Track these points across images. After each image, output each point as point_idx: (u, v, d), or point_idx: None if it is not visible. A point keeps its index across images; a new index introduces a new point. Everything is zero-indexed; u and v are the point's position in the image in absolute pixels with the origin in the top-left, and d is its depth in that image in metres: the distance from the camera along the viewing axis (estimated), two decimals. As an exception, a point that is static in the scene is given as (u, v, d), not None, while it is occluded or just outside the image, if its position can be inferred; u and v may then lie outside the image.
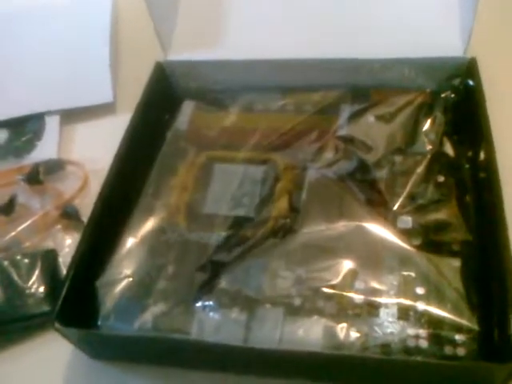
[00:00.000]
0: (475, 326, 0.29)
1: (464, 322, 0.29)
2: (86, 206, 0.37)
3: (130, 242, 0.34)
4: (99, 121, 0.46)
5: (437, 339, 0.29)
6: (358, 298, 0.30)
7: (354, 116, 0.38)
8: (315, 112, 0.39)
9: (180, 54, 0.42)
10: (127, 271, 0.33)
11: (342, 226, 0.33)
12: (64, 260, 0.37)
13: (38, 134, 0.45)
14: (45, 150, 0.45)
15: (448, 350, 0.28)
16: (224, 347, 0.28)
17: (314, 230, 0.33)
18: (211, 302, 0.31)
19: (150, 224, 0.35)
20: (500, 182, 0.31)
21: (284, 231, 0.33)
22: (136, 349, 0.31)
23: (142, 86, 0.40)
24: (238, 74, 0.41)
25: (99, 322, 0.32)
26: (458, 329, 0.29)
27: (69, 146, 0.45)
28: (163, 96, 0.42)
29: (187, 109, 0.41)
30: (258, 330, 0.30)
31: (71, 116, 0.46)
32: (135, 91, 0.40)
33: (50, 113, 0.46)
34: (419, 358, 0.28)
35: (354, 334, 0.29)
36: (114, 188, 0.36)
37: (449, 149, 0.36)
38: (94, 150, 0.43)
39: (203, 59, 0.41)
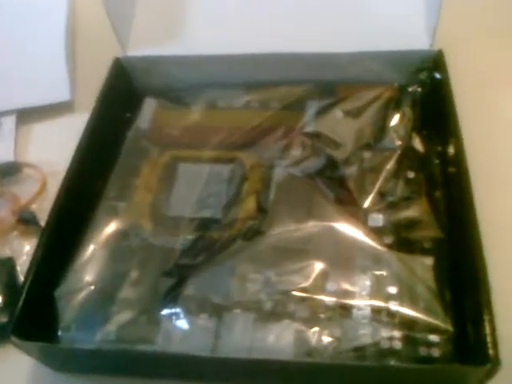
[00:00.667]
0: (449, 327, 0.28)
1: (438, 322, 0.28)
2: (44, 211, 0.35)
3: (91, 247, 0.33)
4: (57, 120, 0.44)
5: (411, 340, 0.28)
6: (329, 300, 0.29)
7: (321, 112, 0.37)
8: (281, 108, 0.38)
9: (139, 49, 0.40)
10: (88, 279, 0.31)
11: (311, 226, 0.32)
12: (22, 268, 0.35)
13: (-8, 136, 0.43)
14: (0, 152, 0.42)
15: (422, 351, 0.28)
16: (192, 358, 0.27)
17: (283, 230, 0.32)
18: (177, 310, 0.30)
19: (111, 228, 0.34)
20: (470, 177, 0.31)
21: (252, 233, 0.32)
22: (100, 361, 0.30)
23: (100, 83, 0.39)
24: (201, 69, 0.40)
25: (59, 333, 0.30)
26: (432, 329, 0.28)
27: (25, 148, 0.43)
28: (123, 93, 0.40)
29: (148, 107, 0.40)
30: (228, 337, 0.29)
31: (28, 116, 0.44)
32: (94, 89, 0.38)
33: (5, 113, 0.44)
34: (393, 361, 0.27)
35: (327, 339, 0.28)
36: (73, 191, 0.34)
37: (418, 144, 0.35)
38: (52, 151, 0.41)
39: (164, 54, 0.40)
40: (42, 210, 0.37)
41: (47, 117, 0.44)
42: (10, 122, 0.44)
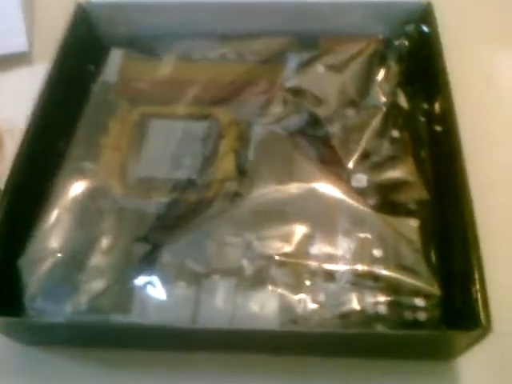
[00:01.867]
0: (436, 290, 0.27)
1: (424, 285, 0.28)
2: (2, 172, 0.33)
3: (56, 211, 0.30)
4: (13, 73, 0.41)
5: (396, 305, 0.27)
6: (313, 264, 0.28)
7: (303, 66, 0.35)
8: (260, 61, 0.36)
9: (104, -6, 0.37)
10: (54, 245, 0.29)
11: (293, 187, 0.30)
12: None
13: None
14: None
15: (408, 315, 0.27)
16: (169, 329, 0.25)
17: (263, 192, 0.30)
18: (153, 278, 0.28)
19: (77, 190, 0.31)
20: (459, 135, 0.29)
21: (230, 195, 0.31)
22: (70, 334, 0.28)
23: (61, 32, 0.36)
24: (172, 18, 0.37)
25: (25, 305, 0.28)
26: (418, 293, 0.27)
27: (-22, 103, 0.40)
28: (86, 43, 0.37)
29: (115, 58, 0.37)
30: (208, 305, 0.27)
31: (-20, 68, 0.41)
32: (54, 38, 0.35)
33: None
34: (379, 327, 0.27)
35: (312, 306, 0.27)
36: (34, 150, 0.32)
37: (403, 101, 0.34)
38: (9, 106, 0.38)
39: (130, 1, 0.37)
40: (0, 172, 0.34)
41: (2, 69, 0.41)
42: (-41, 74, 0.40)
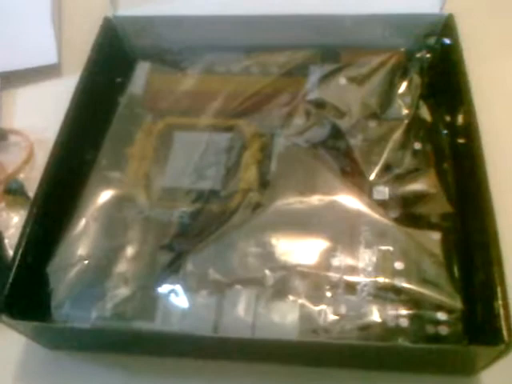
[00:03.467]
0: (458, 304, 0.27)
1: (446, 299, 0.27)
2: (32, 181, 0.34)
3: (84, 220, 0.31)
4: (44, 85, 0.42)
5: (418, 318, 0.27)
6: (334, 276, 0.28)
7: (325, 78, 0.35)
8: (282, 74, 0.36)
9: (131, 8, 0.38)
10: (81, 253, 0.30)
11: (315, 199, 0.31)
12: (10, 242, 0.34)
13: (-26, 101, 0.41)
14: (-17, 118, 0.40)
15: (430, 329, 0.27)
16: (192, 337, 0.26)
17: (286, 203, 0.31)
18: (176, 286, 0.29)
19: (105, 199, 0.32)
20: (482, 148, 0.29)
21: (253, 206, 0.31)
22: (95, 340, 0.29)
23: (90, 45, 0.37)
24: (197, 31, 0.38)
25: (52, 311, 0.29)
26: (440, 307, 0.27)
27: (10, 114, 0.41)
28: (114, 56, 0.38)
29: (142, 71, 0.37)
30: (230, 314, 0.28)
31: (12, 80, 0.42)
32: (83, 51, 0.36)
33: (-13, 76, 0.42)
34: (400, 340, 0.27)
35: (332, 317, 0.27)
36: (63, 159, 0.32)
37: (425, 113, 0.34)
38: (39, 117, 0.39)
39: (157, 14, 0.38)
40: (30, 180, 0.36)
41: (33, 81, 0.42)
42: (-8, 85, 0.42)
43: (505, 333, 0.24)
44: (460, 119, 0.32)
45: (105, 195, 0.32)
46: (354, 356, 0.27)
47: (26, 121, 0.39)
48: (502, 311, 0.25)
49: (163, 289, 0.29)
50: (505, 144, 0.34)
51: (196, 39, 0.38)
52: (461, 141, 0.32)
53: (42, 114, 0.39)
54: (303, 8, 0.36)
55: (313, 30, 0.37)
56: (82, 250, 0.30)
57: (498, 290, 0.25)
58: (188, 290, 0.28)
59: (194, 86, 0.36)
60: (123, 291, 0.29)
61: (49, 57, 0.42)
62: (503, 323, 0.24)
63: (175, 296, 0.28)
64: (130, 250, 0.30)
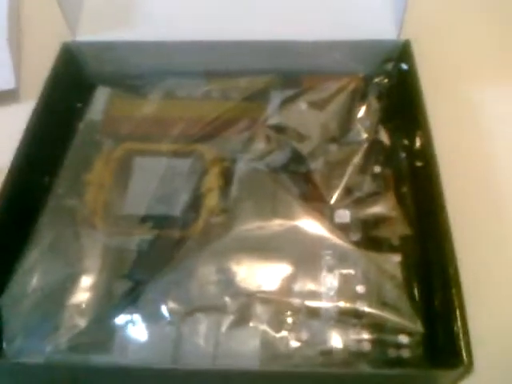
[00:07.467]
0: (419, 327, 0.27)
1: (407, 323, 0.27)
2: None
3: (38, 249, 0.30)
4: (0, 110, 0.41)
5: (380, 342, 0.27)
6: (296, 301, 0.28)
7: (285, 103, 0.36)
8: (243, 99, 0.36)
9: (90, 34, 0.37)
10: (35, 284, 0.29)
11: (276, 224, 0.30)
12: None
13: None
14: None
15: (392, 352, 0.27)
16: (150, 370, 0.25)
17: (246, 229, 0.30)
18: (134, 316, 0.28)
19: (61, 228, 0.31)
20: (439, 171, 0.30)
21: (214, 232, 0.30)
22: (50, 376, 0.28)
23: (48, 70, 0.36)
24: (157, 56, 0.37)
25: (4, 346, 0.27)
26: (401, 330, 0.27)
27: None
28: (73, 81, 0.38)
29: (101, 96, 0.37)
30: (189, 343, 0.27)
31: (-34, 105, 0.41)
32: (41, 76, 0.36)
33: None
34: (362, 365, 0.26)
35: (294, 343, 0.27)
36: (18, 187, 0.31)
37: (384, 137, 0.34)
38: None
39: (117, 40, 0.37)
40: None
41: (-11, 106, 0.41)
42: None
43: (464, 355, 0.24)
44: (417, 142, 0.32)
45: (61, 223, 0.31)
46: (317, 383, 0.27)
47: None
48: (461, 334, 0.25)
49: (120, 320, 0.28)
50: (461, 166, 0.35)
51: (156, 64, 0.38)
52: (418, 164, 0.32)
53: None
54: (263, 34, 0.36)
55: (273, 56, 0.37)
56: (36, 281, 0.29)
57: (457, 312, 0.25)
58: (146, 320, 0.28)
59: (155, 111, 0.36)
60: (79, 322, 0.28)
61: (6, 81, 0.41)
62: (462, 346, 0.24)
63: (133, 327, 0.28)
64: (86, 280, 0.29)
